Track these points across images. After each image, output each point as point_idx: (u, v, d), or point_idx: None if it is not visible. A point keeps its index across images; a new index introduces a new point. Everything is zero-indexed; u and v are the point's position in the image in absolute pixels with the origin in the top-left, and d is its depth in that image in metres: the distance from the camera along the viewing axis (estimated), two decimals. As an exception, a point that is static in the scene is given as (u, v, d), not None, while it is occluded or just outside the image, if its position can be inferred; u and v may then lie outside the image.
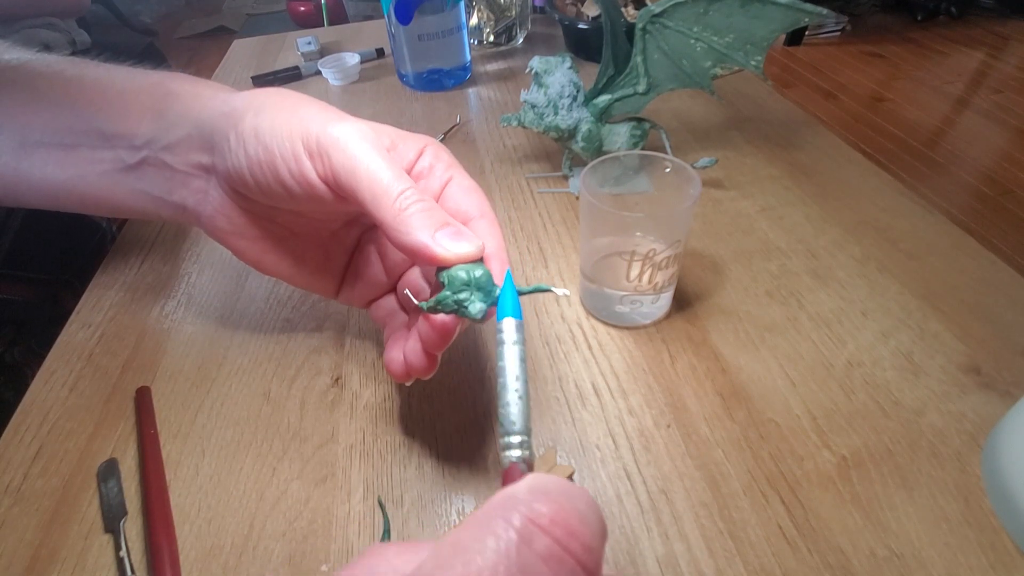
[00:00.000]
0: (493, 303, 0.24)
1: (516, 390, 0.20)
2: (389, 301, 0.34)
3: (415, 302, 0.26)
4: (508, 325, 0.21)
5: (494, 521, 0.12)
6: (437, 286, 0.25)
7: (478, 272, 0.24)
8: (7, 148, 0.31)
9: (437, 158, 0.29)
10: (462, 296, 0.24)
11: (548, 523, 0.12)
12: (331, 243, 0.34)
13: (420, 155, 0.29)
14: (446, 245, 0.24)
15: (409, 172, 0.29)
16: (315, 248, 0.33)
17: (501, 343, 0.21)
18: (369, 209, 0.25)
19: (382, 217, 0.25)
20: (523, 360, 0.21)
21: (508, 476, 0.19)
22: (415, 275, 0.32)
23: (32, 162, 0.31)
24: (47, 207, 0.33)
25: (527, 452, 0.19)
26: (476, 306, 0.24)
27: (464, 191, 0.29)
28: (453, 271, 0.24)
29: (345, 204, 0.27)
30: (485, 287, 0.24)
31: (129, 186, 0.31)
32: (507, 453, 0.19)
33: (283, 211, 0.31)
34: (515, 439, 0.19)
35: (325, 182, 0.26)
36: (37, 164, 0.31)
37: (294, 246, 0.33)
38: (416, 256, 0.25)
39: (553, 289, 0.25)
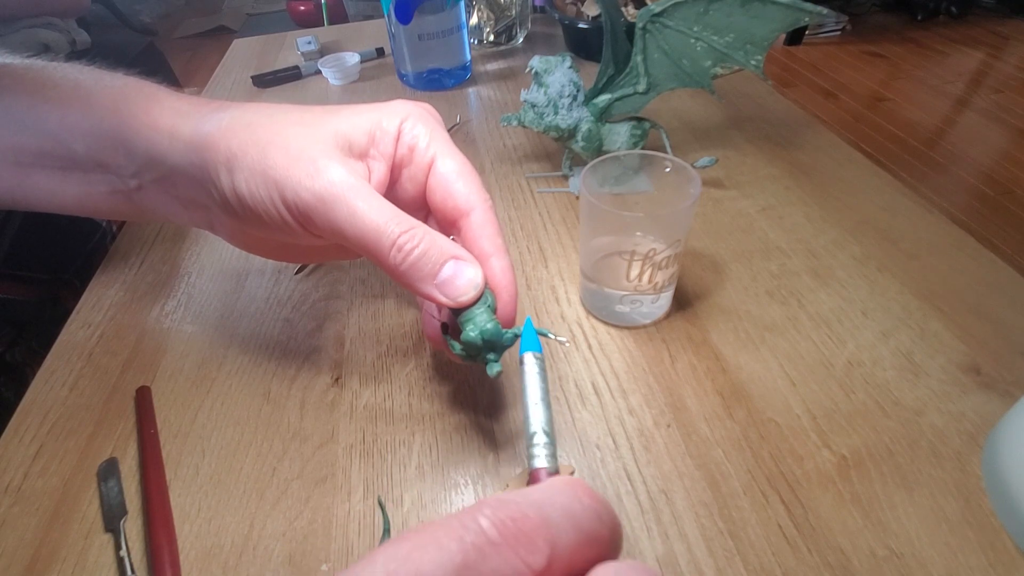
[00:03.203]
0: (507, 345, 0.27)
1: (537, 403, 0.22)
2: None
3: (455, 354, 0.28)
4: (528, 357, 0.24)
5: (450, 522, 0.12)
6: (454, 321, 0.28)
7: (488, 327, 0.26)
8: (3, 166, 0.30)
9: (414, 136, 0.28)
10: (478, 359, 0.27)
11: (489, 525, 0.12)
12: None
13: (399, 137, 0.28)
14: (450, 292, 0.25)
15: (392, 166, 0.28)
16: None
17: (524, 371, 0.23)
18: (363, 251, 0.26)
19: (383, 268, 0.26)
20: (544, 380, 0.23)
21: (532, 480, 0.20)
22: None
23: (34, 181, 0.30)
24: (62, 213, 0.32)
25: (552, 460, 0.20)
26: (493, 368, 0.27)
27: (448, 177, 0.28)
28: (466, 335, 0.26)
29: None
30: (496, 341, 0.26)
31: (137, 205, 0.31)
32: (531, 463, 0.20)
33: None
34: (539, 449, 0.20)
35: (319, 236, 0.27)
36: (40, 183, 0.30)
37: (309, 244, 0.33)
38: (416, 293, 0.26)
39: (550, 335, 0.28)
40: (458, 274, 0.25)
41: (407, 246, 0.25)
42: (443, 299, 0.25)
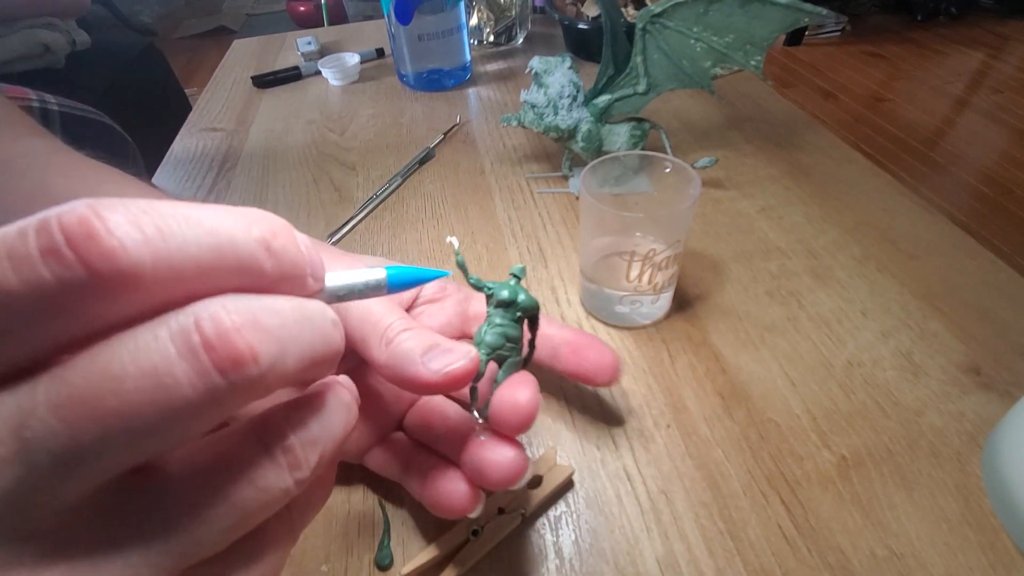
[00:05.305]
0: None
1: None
2: (399, 440, 0.29)
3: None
4: None
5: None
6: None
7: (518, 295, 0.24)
8: None
9: (455, 289, 0.31)
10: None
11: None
12: None
13: (434, 290, 0.31)
14: (433, 366, 0.21)
15: (413, 301, 0.31)
16: None
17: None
18: (358, 349, 0.25)
19: (371, 357, 0.24)
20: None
21: None
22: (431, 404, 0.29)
23: None
24: None
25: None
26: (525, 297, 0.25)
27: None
28: (500, 292, 0.24)
29: None
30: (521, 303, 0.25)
31: None
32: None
33: None
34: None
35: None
36: None
37: None
38: (406, 385, 0.23)
39: (454, 247, 0.25)
40: (446, 351, 0.22)
41: (399, 327, 0.24)
42: (424, 371, 0.22)
